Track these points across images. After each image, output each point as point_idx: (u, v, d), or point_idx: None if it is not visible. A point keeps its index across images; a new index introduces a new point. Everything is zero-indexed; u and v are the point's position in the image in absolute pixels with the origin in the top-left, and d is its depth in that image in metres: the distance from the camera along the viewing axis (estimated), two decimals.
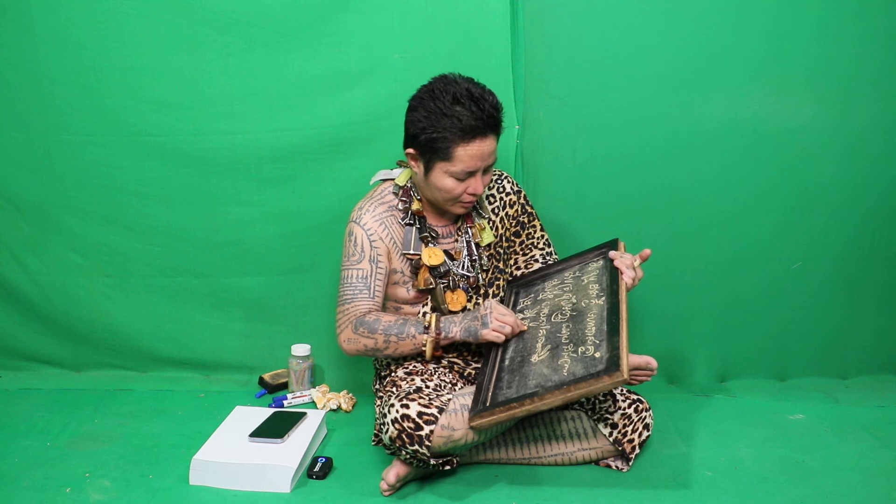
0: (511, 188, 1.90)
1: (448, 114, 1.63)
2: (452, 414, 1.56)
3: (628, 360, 1.48)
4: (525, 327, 1.71)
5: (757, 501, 1.59)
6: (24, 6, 1.98)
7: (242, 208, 2.11)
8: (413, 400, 1.56)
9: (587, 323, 1.61)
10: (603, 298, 1.65)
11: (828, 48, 2.01)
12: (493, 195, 1.88)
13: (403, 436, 1.53)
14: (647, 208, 2.11)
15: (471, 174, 1.68)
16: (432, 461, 1.57)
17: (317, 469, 1.68)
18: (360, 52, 2.00)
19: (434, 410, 1.55)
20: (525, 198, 1.93)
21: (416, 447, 1.53)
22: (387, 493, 1.61)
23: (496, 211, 1.88)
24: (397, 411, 1.55)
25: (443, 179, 1.69)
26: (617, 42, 2.02)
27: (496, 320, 1.66)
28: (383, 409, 1.59)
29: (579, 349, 1.55)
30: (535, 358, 1.60)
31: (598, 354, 1.51)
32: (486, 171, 1.71)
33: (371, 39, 1.99)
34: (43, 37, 2.00)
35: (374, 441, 1.83)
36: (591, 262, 1.81)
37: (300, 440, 1.75)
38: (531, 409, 1.49)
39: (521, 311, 1.78)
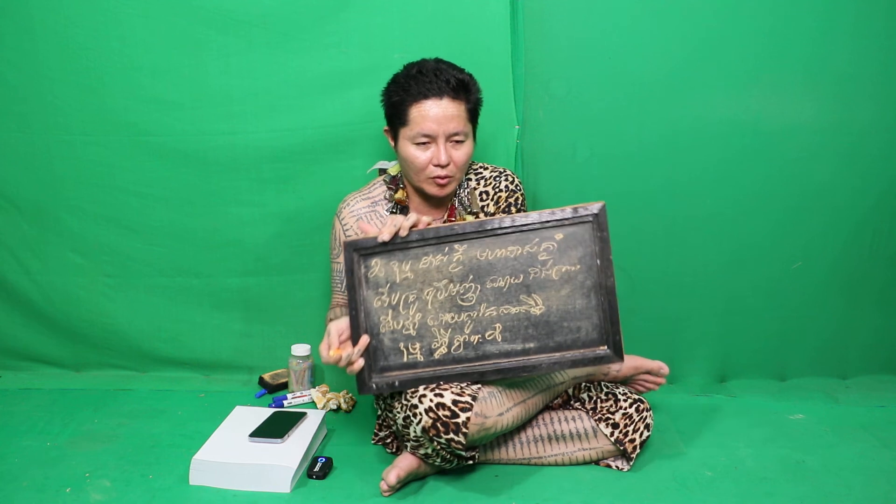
0: (507, 186, 1.86)
1: (407, 78, 1.69)
2: (483, 401, 1.56)
3: None
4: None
5: (757, 501, 1.59)
6: (24, 6, 1.98)
7: (242, 208, 2.11)
8: (445, 389, 1.55)
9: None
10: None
11: (828, 48, 2.01)
12: (487, 191, 1.86)
13: (439, 424, 1.52)
14: (647, 208, 2.11)
15: (429, 138, 1.68)
16: (464, 452, 1.56)
17: (317, 469, 1.68)
18: (360, 52, 2.00)
19: (468, 398, 1.54)
20: (521, 198, 1.89)
21: (452, 435, 1.52)
22: (387, 494, 1.61)
23: (486, 208, 1.86)
24: (431, 400, 1.53)
25: (406, 148, 1.71)
26: (617, 42, 2.02)
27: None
28: (412, 400, 1.56)
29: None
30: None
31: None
32: (456, 143, 1.70)
33: (371, 39, 1.99)
34: (43, 37, 2.00)
35: (374, 441, 1.83)
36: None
37: (300, 440, 1.74)
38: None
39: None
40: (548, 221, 1.58)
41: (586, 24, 2.02)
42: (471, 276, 1.59)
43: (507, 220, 1.57)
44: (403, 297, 1.58)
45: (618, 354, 1.57)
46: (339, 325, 1.59)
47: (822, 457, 1.77)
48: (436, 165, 1.70)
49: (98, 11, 1.98)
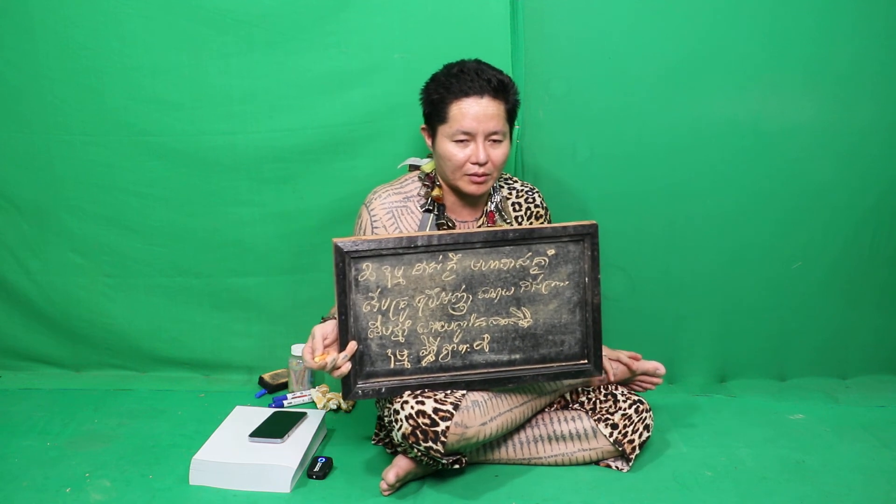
0: (542, 203, 1.88)
1: (448, 77, 1.69)
2: (465, 411, 1.56)
3: None
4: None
5: (757, 501, 1.59)
6: (24, 6, 1.98)
7: (242, 208, 2.11)
8: (428, 396, 1.56)
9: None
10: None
11: (828, 48, 2.01)
12: (519, 203, 1.85)
13: (418, 432, 1.53)
14: (647, 208, 2.11)
15: (468, 136, 1.67)
16: (443, 459, 1.56)
17: (317, 469, 1.68)
18: (360, 52, 2.00)
19: (449, 407, 1.55)
20: (550, 219, 1.92)
21: (431, 444, 1.52)
22: (386, 493, 1.61)
23: (519, 219, 1.85)
24: (412, 407, 1.54)
25: (444, 146, 1.69)
26: (617, 42, 2.02)
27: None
28: (395, 405, 1.58)
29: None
30: None
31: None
32: (494, 143, 1.69)
33: (371, 39, 1.99)
34: (43, 37, 2.00)
35: (374, 441, 1.83)
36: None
37: (300, 440, 1.75)
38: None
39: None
40: (548, 237, 1.60)
41: (586, 24, 2.02)
42: (463, 286, 1.60)
43: (511, 232, 1.59)
44: (394, 303, 1.58)
45: (597, 368, 1.65)
46: (324, 329, 1.58)
47: (822, 457, 1.77)
48: (474, 163, 1.69)
49: (98, 11, 1.98)
